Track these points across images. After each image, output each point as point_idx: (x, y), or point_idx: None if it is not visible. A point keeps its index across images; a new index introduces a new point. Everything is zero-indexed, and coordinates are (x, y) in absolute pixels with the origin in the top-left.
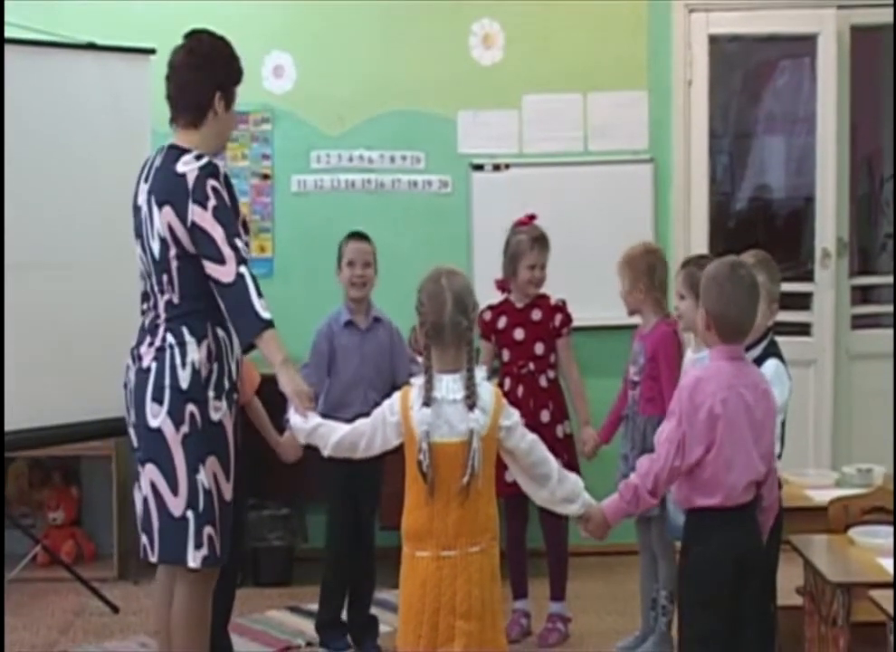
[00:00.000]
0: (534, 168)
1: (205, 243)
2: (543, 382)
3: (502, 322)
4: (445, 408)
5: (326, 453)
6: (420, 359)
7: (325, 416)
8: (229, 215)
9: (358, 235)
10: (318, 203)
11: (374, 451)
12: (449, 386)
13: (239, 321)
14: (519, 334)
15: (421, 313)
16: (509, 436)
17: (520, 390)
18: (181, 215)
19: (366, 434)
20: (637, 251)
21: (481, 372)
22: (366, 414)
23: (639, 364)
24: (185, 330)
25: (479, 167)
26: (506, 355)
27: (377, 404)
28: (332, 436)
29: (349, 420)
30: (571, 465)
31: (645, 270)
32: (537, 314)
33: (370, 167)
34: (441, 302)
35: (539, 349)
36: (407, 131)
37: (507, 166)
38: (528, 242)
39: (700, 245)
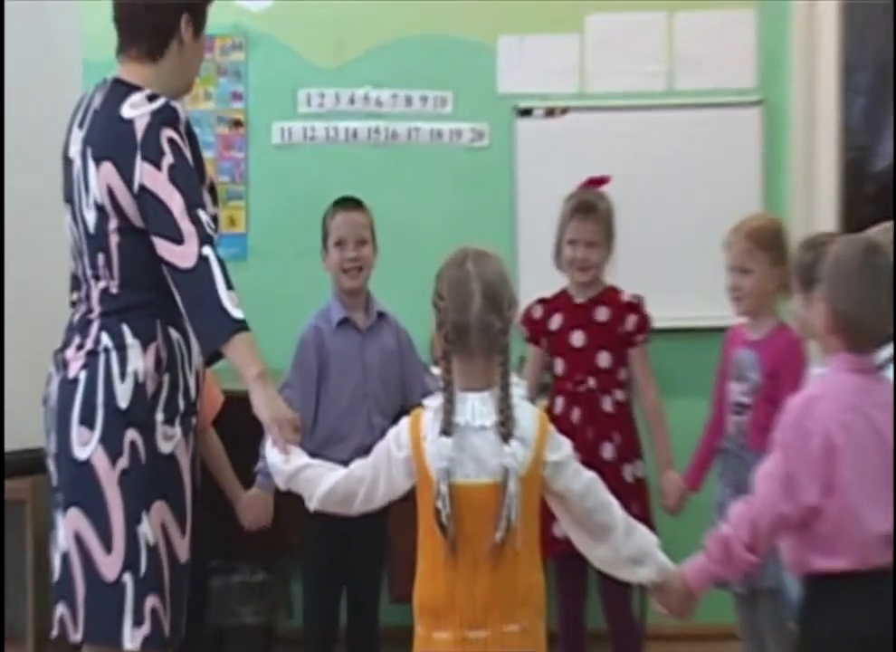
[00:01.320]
0: (600, 114)
1: (158, 214)
2: (608, 405)
3: (556, 322)
4: (471, 439)
5: (312, 506)
6: (437, 372)
7: (314, 454)
8: (191, 177)
9: (348, 203)
10: (307, 160)
11: (376, 503)
12: (476, 408)
13: (201, 320)
14: (577, 339)
15: (439, 310)
16: (558, 475)
17: (576, 415)
18: (126, 175)
19: (365, 480)
20: (765, 223)
21: (519, 389)
22: (370, 448)
23: (751, 381)
24: (126, 330)
25: (526, 113)
26: (559, 366)
27: (385, 433)
28: (321, 483)
29: (347, 460)
30: (643, 519)
31: (780, 253)
32: (603, 313)
33: (379, 112)
34: (466, 295)
35: (605, 360)
36: (429, 64)
37: (564, 110)
38: (568, 209)
39: (827, 220)
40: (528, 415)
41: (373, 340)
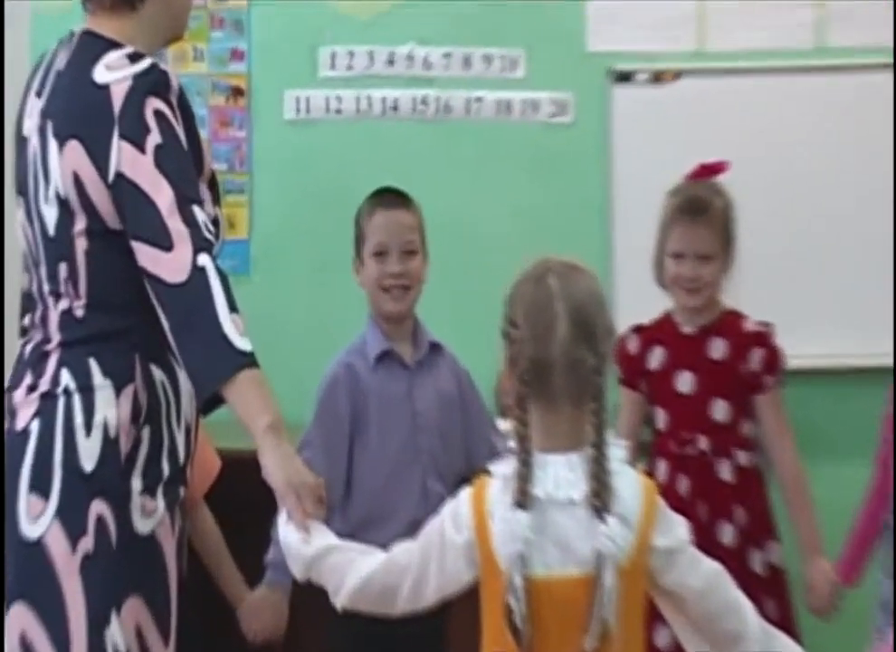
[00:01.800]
0: (724, 79)
1: (140, 211)
2: (726, 472)
3: (657, 359)
4: (554, 516)
5: (340, 603)
6: (507, 426)
7: (344, 535)
8: (185, 162)
9: (390, 197)
10: (331, 140)
11: (426, 600)
12: (561, 475)
13: (194, 352)
14: (685, 382)
15: (511, 341)
16: (670, 566)
17: (684, 485)
18: (98, 158)
19: (411, 569)
20: None
21: (619, 449)
22: (418, 527)
23: None
24: (93, 367)
25: (624, 78)
26: (661, 419)
27: (444, 504)
28: (352, 572)
29: (385, 543)
30: (782, 624)
31: None
32: (719, 347)
33: (427, 77)
34: (548, 321)
35: (721, 411)
36: (494, 13)
37: (676, 74)
38: (672, 210)
39: None
40: (630, 484)
41: (425, 380)
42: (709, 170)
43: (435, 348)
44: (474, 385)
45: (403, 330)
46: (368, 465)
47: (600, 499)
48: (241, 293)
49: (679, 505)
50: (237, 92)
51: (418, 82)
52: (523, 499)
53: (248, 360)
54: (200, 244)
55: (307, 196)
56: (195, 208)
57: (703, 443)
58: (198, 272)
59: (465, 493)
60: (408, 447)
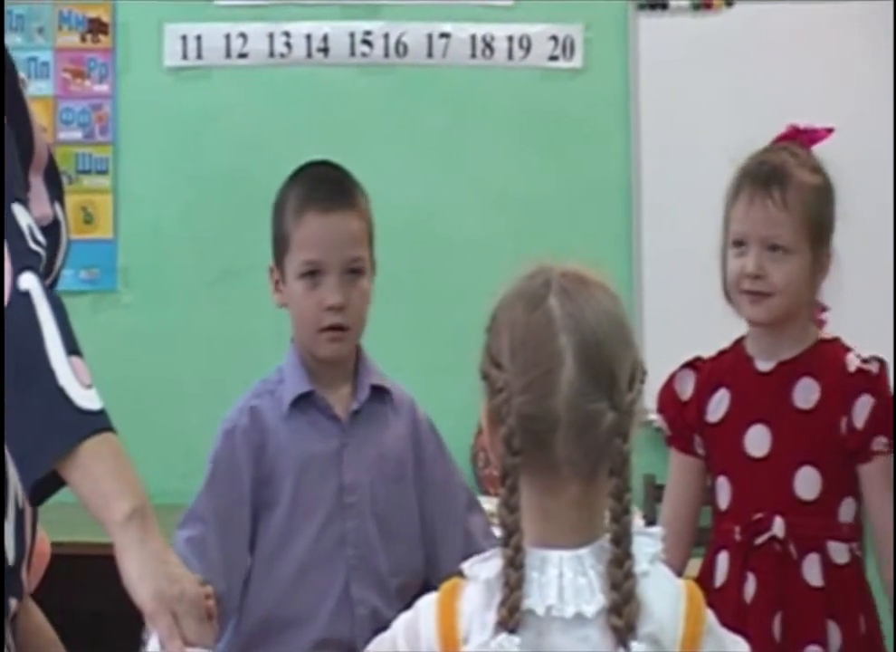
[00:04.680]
0: (795, 3)
1: None
2: (814, 573)
3: (720, 408)
4: (557, 639)
5: None
6: (490, 508)
7: None
8: None
9: (327, 188)
10: (233, 96)
11: None
12: (566, 580)
13: (18, 417)
14: (758, 442)
15: (495, 389)
16: None
17: (752, 588)
18: None
19: None
20: None
21: (650, 543)
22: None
23: None
24: None
25: (655, 5)
26: (724, 494)
27: (380, 622)
28: None
29: None
30: None
31: None
32: (808, 392)
33: (370, 3)
34: (547, 362)
35: (810, 484)
36: None
37: (729, 0)
38: (737, 180)
39: None
40: (666, 593)
41: (362, 439)
42: (803, 135)
43: (380, 392)
44: (443, 444)
45: (339, 370)
46: (270, 558)
47: (622, 615)
48: (103, 318)
49: (744, 617)
50: (97, 28)
51: (358, 11)
52: (512, 616)
53: (96, 423)
54: (22, 261)
55: (197, 177)
56: (17, 209)
57: (781, 529)
58: (20, 298)
59: (428, 605)
60: (327, 536)
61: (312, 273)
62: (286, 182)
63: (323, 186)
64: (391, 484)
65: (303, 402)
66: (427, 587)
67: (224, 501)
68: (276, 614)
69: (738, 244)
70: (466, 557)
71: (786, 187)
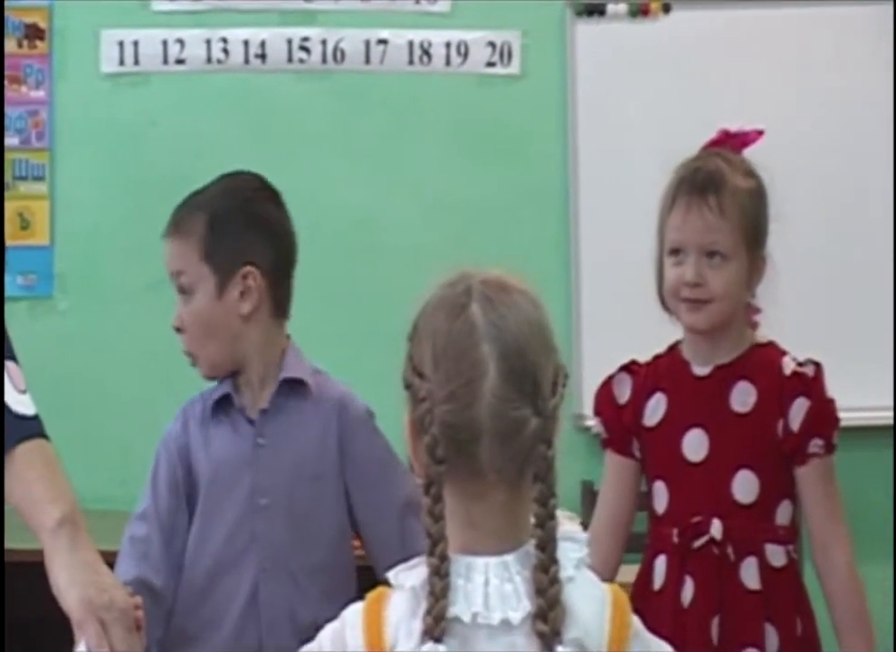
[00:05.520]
0: (732, 10)
1: None
2: (751, 577)
3: (657, 411)
4: (483, 646)
5: None
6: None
7: None
8: None
9: (177, 215)
10: (170, 102)
11: None
12: (492, 587)
13: None
14: (695, 446)
15: (418, 398)
16: None
17: (689, 593)
18: None
19: None
20: None
21: (576, 546)
22: None
23: None
24: None
25: (594, 10)
26: (661, 497)
27: (307, 632)
28: None
29: None
30: None
31: None
32: (744, 396)
33: (308, 9)
34: (469, 371)
35: (747, 487)
36: None
37: (665, 7)
38: (673, 187)
39: None
40: (592, 598)
41: (279, 437)
42: (734, 139)
43: (297, 387)
44: (380, 443)
45: (260, 371)
46: (193, 560)
47: (547, 621)
48: (39, 325)
49: (682, 621)
50: (34, 33)
51: (295, 17)
52: (438, 625)
53: (30, 428)
54: None
55: (134, 183)
56: None
57: (720, 531)
58: None
59: (355, 614)
60: (237, 539)
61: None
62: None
63: (182, 207)
64: (309, 482)
65: (225, 404)
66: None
67: (165, 503)
68: (186, 621)
69: (676, 252)
70: (402, 559)
71: (721, 194)
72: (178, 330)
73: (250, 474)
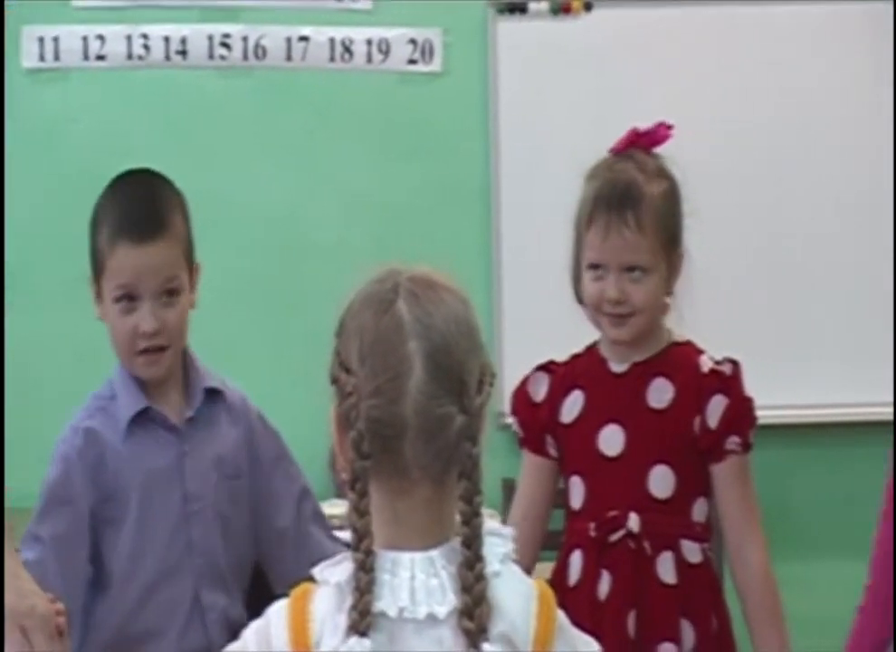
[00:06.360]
0: (653, 9)
1: None
2: (668, 571)
3: (573, 409)
4: (409, 641)
5: None
6: (339, 512)
7: None
8: None
9: (138, 217)
10: (91, 98)
11: None
12: (418, 582)
13: None
14: (611, 441)
15: (344, 393)
16: None
17: (605, 587)
18: None
19: None
20: None
21: (501, 542)
22: None
23: None
24: None
25: (515, 7)
26: (578, 493)
27: (230, 630)
28: None
29: None
30: None
31: None
32: (662, 393)
33: (229, 6)
34: (395, 367)
35: (663, 483)
36: None
37: (586, 5)
38: (588, 202)
39: None
40: (517, 593)
41: (201, 445)
42: (644, 139)
43: (213, 394)
44: (283, 450)
45: (169, 381)
46: (121, 573)
47: (473, 618)
48: None
49: (599, 615)
50: None
51: (217, 14)
52: (363, 619)
53: None
54: None
55: (55, 179)
56: None
57: (637, 525)
58: None
59: (279, 610)
60: (174, 547)
61: (128, 297)
62: (103, 194)
63: (136, 211)
64: (229, 483)
65: (141, 417)
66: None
67: (61, 524)
68: (127, 630)
69: (596, 267)
70: (297, 548)
71: (639, 209)
72: (155, 333)
73: (179, 483)
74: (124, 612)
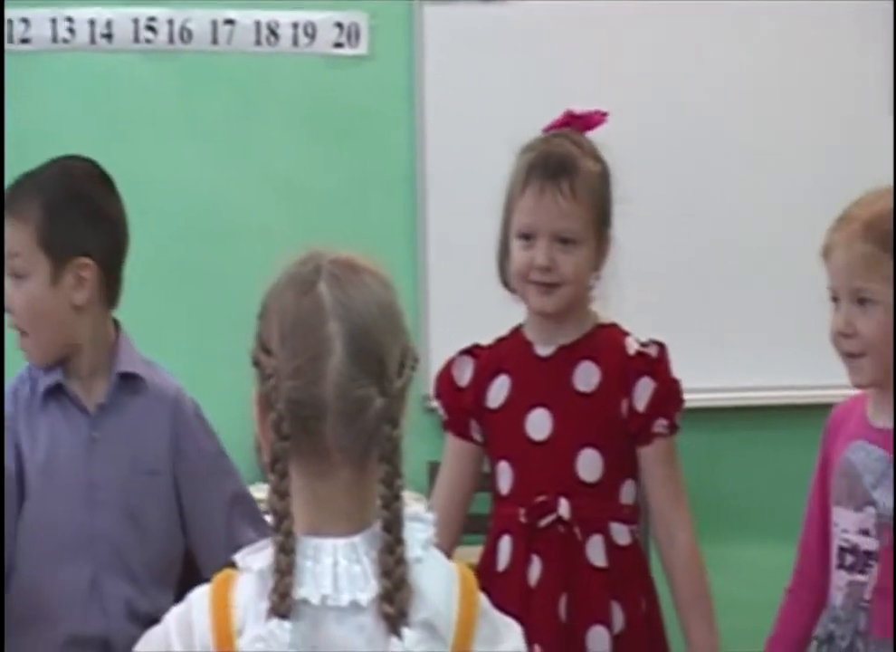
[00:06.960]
0: None
1: None
2: (598, 555)
3: (500, 392)
4: (331, 628)
5: None
6: (261, 495)
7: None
8: None
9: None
10: (14, 82)
11: None
12: (341, 568)
13: None
14: (538, 425)
15: (264, 375)
16: None
17: (536, 572)
18: None
19: None
20: (885, 206)
21: (423, 527)
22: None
23: (881, 507)
24: None
25: None
26: (505, 478)
27: (135, 619)
28: None
29: None
30: None
31: None
32: (588, 376)
33: None
34: (315, 348)
35: (591, 466)
36: None
37: None
38: (522, 170)
39: None
40: (439, 578)
41: (112, 432)
42: (579, 121)
43: (131, 380)
44: (211, 438)
45: (91, 359)
46: (24, 549)
47: (393, 603)
48: None
49: (529, 600)
50: None
51: None
52: (284, 601)
53: None
54: None
55: None
56: None
57: (567, 510)
58: None
59: (201, 597)
60: (77, 531)
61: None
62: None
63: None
64: (145, 478)
65: (58, 391)
66: (193, 581)
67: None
68: (29, 608)
69: (525, 236)
70: (228, 550)
71: (574, 178)
72: (8, 310)
73: (84, 468)
74: (24, 594)
